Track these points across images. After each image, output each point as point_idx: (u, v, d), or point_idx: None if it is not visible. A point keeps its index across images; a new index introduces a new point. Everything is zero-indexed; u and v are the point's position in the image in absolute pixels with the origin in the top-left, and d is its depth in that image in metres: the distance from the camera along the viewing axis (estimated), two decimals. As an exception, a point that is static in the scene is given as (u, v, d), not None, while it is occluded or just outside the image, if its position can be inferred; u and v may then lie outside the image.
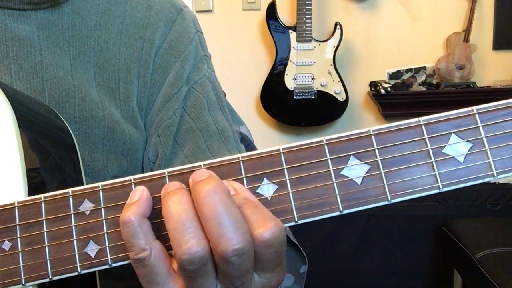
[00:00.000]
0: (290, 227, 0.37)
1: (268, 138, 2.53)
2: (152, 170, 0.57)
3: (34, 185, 0.43)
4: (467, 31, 2.38)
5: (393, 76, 2.49)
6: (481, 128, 0.35)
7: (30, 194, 0.42)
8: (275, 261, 0.37)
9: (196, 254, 0.35)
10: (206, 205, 0.35)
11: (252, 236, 0.35)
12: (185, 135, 0.62)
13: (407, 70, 2.48)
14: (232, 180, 0.37)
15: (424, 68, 2.48)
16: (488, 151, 0.35)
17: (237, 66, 2.50)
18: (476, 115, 0.35)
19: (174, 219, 0.35)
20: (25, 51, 0.56)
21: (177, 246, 0.35)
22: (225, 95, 0.72)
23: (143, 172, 0.63)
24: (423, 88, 2.44)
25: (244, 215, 0.35)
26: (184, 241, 0.35)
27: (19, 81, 0.56)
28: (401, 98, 2.37)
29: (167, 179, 0.37)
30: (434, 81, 2.45)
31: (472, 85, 2.39)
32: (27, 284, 0.39)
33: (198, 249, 0.35)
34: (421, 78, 2.48)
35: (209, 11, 2.46)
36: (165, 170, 0.37)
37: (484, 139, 0.35)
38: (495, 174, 0.34)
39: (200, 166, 0.36)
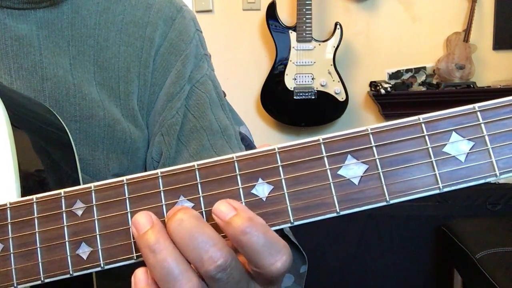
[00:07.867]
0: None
1: (268, 138, 2.53)
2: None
3: (31, 185, 0.43)
4: (467, 31, 2.38)
5: (393, 76, 2.48)
6: (483, 125, 0.34)
7: (27, 193, 0.41)
8: (282, 277, 0.37)
9: None
10: (178, 234, 0.34)
11: (266, 268, 0.34)
12: (189, 134, 0.63)
13: (407, 70, 2.48)
14: (230, 199, 0.35)
15: (424, 68, 2.48)
16: (490, 149, 0.34)
17: (237, 66, 2.50)
18: (478, 113, 0.34)
19: (157, 270, 0.34)
20: (25, 50, 0.56)
21: None
22: (225, 95, 0.72)
23: (145, 170, 0.63)
24: (423, 88, 2.44)
25: (256, 246, 0.34)
26: None
27: (19, 80, 0.56)
28: (401, 98, 2.37)
29: (160, 179, 0.36)
30: (434, 81, 2.45)
31: (472, 85, 2.38)
32: (19, 286, 0.38)
33: None
34: (421, 78, 2.48)
35: (209, 11, 2.46)
36: (158, 171, 0.36)
37: (486, 138, 0.34)
38: (498, 174, 0.33)
39: (194, 166, 0.36)
